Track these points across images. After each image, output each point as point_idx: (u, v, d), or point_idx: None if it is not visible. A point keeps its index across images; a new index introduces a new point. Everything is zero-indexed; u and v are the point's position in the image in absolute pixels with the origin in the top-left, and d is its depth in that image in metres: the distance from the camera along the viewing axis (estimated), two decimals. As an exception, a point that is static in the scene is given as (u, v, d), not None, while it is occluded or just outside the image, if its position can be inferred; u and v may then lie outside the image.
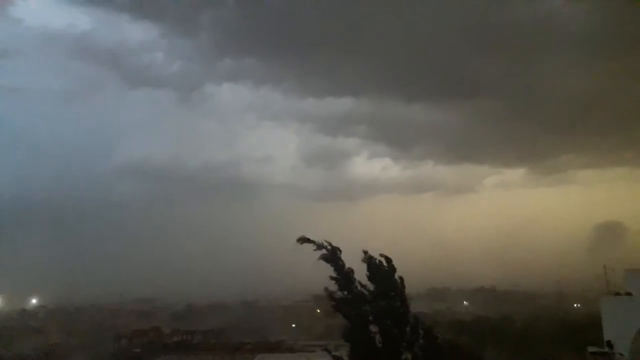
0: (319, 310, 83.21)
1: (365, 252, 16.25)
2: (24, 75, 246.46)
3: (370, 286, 16.04)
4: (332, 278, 15.82)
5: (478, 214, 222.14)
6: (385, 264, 16.30)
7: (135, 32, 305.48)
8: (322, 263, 15.82)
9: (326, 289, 15.91)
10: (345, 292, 15.84)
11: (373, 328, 15.69)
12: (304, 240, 15.66)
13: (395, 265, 16.36)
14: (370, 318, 15.74)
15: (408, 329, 15.89)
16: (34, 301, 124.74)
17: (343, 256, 16.08)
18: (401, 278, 16.36)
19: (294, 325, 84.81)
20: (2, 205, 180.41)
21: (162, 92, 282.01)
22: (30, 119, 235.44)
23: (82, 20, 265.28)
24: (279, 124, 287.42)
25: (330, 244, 15.86)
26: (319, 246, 15.74)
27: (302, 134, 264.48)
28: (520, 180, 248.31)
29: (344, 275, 15.87)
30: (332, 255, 15.84)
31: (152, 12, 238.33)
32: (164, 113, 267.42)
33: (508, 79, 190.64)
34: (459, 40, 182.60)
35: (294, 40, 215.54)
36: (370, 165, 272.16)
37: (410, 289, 16.47)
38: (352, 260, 16.19)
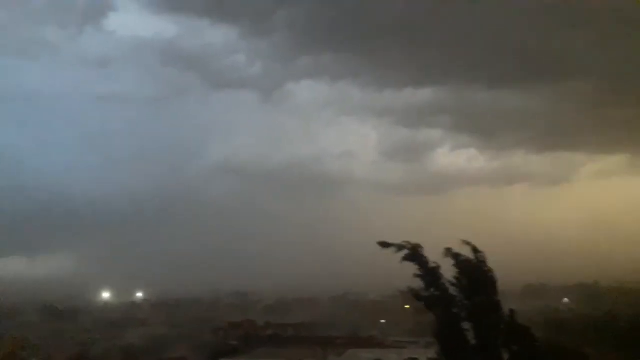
0: (408, 306, 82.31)
1: (450, 249, 15.80)
2: (118, 84, 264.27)
3: (461, 282, 15.64)
4: (416, 276, 15.62)
5: (575, 205, 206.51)
6: (474, 257, 15.77)
7: (216, 35, 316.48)
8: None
9: (409, 287, 15.84)
10: (432, 290, 15.58)
11: (465, 325, 15.31)
12: (384, 245, 15.64)
13: (486, 261, 15.80)
14: (462, 315, 15.36)
15: (503, 326, 15.34)
16: (139, 295, 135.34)
17: (428, 252, 15.78)
18: (492, 271, 15.81)
19: (383, 321, 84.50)
20: (109, 206, 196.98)
21: (244, 92, 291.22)
22: (126, 125, 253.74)
23: (168, 28, 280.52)
24: (358, 118, 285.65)
25: (409, 243, 15.64)
26: (399, 247, 15.60)
27: (381, 127, 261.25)
28: (621, 167, 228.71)
29: (429, 272, 15.62)
30: (414, 254, 15.65)
31: (230, 14, 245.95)
32: (247, 113, 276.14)
33: (599, 56, 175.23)
34: (540, 18, 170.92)
35: (369, 33, 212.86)
36: (454, 156, 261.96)
37: (504, 286, 15.85)
38: (439, 257, 15.81)
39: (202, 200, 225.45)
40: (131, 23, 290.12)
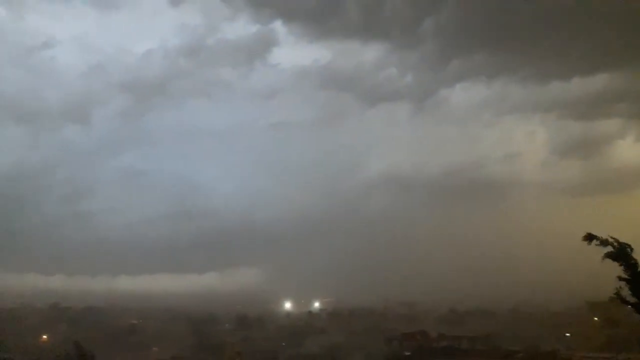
0: (596, 319, 74.89)
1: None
2: (284, 112, 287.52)
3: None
4: (621, 279, 14.39)
5: None
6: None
7: (367, 54, 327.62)
8: (599, 267, 14.43)
9: (617, 291, 14.46)
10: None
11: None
12: (589, 237, 14.42)
13: None
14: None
15: None
16: (316, 305, 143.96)
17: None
18: None
19: (568, 334, 77.87)
20: (286, 223, 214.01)
21: (398, 105, 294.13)
22: (294, 148, 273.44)
23: (323, 54, 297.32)
24: (521, 116, 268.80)
25: (617, 240, 14.40)
26: (604, 242, 14.36)
27: (549, 123, 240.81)
28: None
29: (637, 276, 14.22)
30: (621, 253, 14.30)
31: (378, 32, 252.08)
32: (402, 124, 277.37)
33: None
34: None
35: (520, 26, 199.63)
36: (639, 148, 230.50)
37: None
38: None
39: (365, 212, 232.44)
40: (291, 54, 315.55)
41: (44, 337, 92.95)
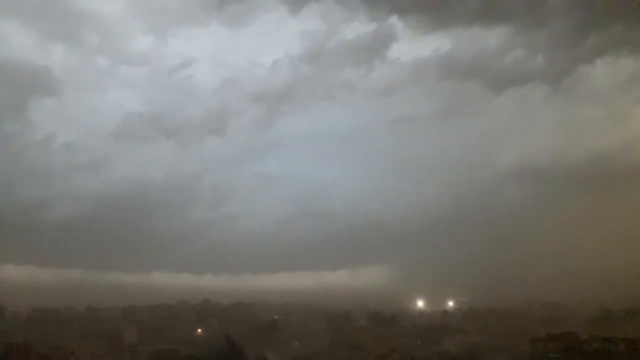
0: None
1: None
2: (406, 106, 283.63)
3: None
4: None
5: None
6: None
7: (490, 38, 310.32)
8: None
9: None
10: None
11: None
12: None
13: None
14: None
15: None
16: (450, 303, 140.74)
17: None
18: None
19: None
20: (415, 221, 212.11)
21: (528, 88, 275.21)
22: (418, 143, 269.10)
23: (443, 43, 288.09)
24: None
25: None
26: None
27: None
28: None
29: None
30: None
31: (499, 15, 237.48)
32: (536, 109, 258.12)
33: None
34: None
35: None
36: None
37: None
38: None
39: (498, 206, 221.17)
40: (410, 47, 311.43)
41: (199, 330, 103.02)
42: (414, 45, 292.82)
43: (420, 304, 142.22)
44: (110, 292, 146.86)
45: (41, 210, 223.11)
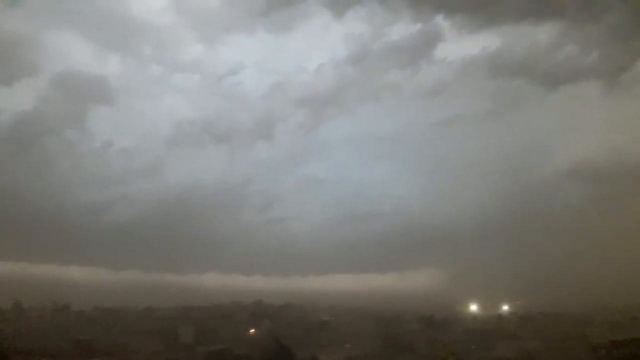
0: None
1: None
2: (454, 107, 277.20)
3: None
4: None
5: None
6: None
7: (540, 34, 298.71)
8: None
9: None
10: None
11: None
12: None
13: None
14: None
15: None
16: (505, 307, 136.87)
17: None
18: None
19: None
20: (465, 223, 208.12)
21: (583, 85, 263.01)
22: (467, 144, 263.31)
23: (491, 41, 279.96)
24: None
25: None
26: None
27: None
28: None
29: None
30: None
31: (550, 10, 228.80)
32: (591, 106, 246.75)
33: None
34: None
35: None
36: None
37: None
38: None
39: (554, 207, 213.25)
40: (457, 46, 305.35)
41: (252, 330, 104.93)
42: (461, 45, 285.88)
43: (472, 307, 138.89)
44: (165, 292, 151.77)
45: (100, 214, 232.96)
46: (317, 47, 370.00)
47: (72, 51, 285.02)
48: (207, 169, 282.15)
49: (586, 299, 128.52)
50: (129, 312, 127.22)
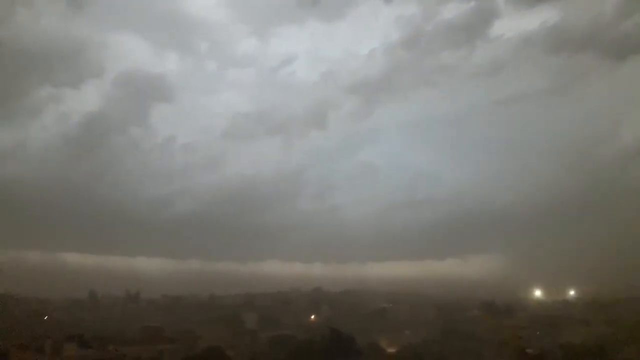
0: None
1: None
2: (513, 85, 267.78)
3: None
4: None
5: None
6: None
7: (604, 4, 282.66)
8: None
9: None
10: None
11: None
12: None
13: None
14: None
15: None
16: (571, 293, 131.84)
17: None
18: None
19: None
20: (529, 206, 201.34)
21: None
22: (529, 123, 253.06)
23: (551, 14, 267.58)
24: None
25: None
26: None
27: None
28: None
29: None
30: None
31: None
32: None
33: None
34: None
35: None
36: None
37: None
38: None
39: (624, 185, 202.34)
40: (514, 22, 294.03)
41: (312, 317, 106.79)
42: (519, 20, 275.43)
43: (537, 293, 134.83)
44: (228, 280, 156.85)
45: (166, 207, 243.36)
46: (367, 32, 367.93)
47: (133, 52, 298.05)
48: (264, 160, 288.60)
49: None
50: (194, 299, 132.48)
